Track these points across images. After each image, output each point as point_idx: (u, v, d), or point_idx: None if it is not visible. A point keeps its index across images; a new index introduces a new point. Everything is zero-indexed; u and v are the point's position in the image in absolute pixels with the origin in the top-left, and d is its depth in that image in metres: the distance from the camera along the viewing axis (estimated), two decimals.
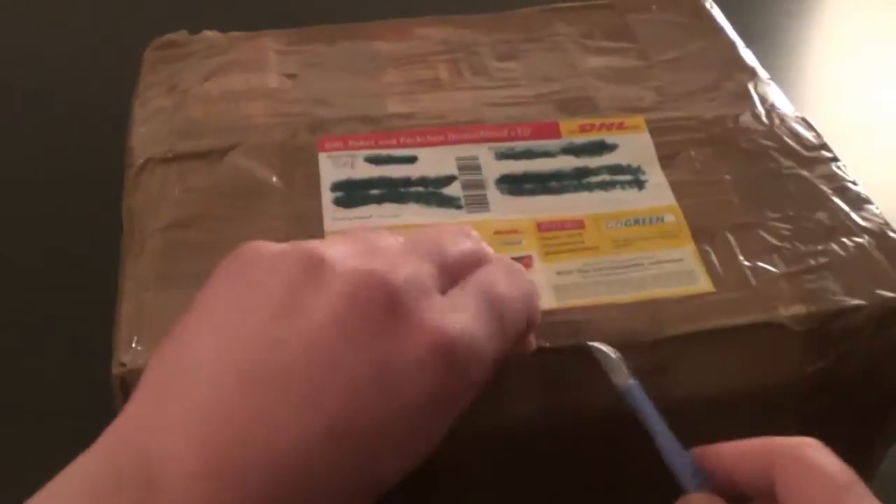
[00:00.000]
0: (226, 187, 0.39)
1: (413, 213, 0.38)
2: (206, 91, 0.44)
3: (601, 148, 0.41)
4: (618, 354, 0.32)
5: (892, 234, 0.37)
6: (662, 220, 0.38)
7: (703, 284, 0.35)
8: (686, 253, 0.36)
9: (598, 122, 0.42)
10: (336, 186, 0.39)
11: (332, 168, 0.40)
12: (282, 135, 0.41)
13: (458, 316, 0.26)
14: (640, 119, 0.42)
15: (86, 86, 0.71)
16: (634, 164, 0.40)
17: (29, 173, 0.64)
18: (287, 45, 0.47)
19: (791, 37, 0.80)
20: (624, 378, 0.30)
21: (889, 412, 0.38)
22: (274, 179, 0.39)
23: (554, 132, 0.42)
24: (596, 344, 0.32)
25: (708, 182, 0.40)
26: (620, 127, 0.42)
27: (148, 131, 0.42)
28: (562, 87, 0.44)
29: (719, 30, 0.48)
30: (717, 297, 0.35)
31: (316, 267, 0.26)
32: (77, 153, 0.65)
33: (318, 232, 0.37)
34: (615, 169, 0.40)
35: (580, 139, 0.41)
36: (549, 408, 0.34)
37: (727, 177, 0.40)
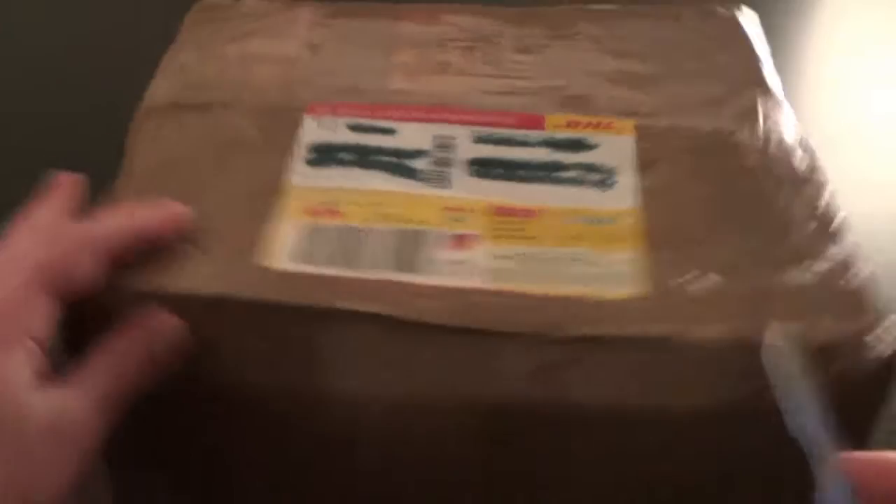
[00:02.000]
0: (209, 138, 0.41)
1: (373, 179, 0.39)
2: (227, 52, 0.46)
3: (581, 145, 0.41)
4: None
5: (855, 273, 0.35)
6: (615, 222, 0.37)
7: (630, 291, 0.34)
8: (627, 258, 0.36)
9: (585, 120, 0.42)
10: (312, 148, 0.40)
11: (314, 130, 0.41)
12: (278, 97, 0.43)
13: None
14: (629, 123, 0.42)
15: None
16: (609, 165, 0.40)
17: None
18: (321, 18, 0.49)
19: (791, 37, 0.79)
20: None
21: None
22: (255, 135, 0.41)
23: (538, 124, 0.42)
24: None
25: (680, 193, 0.38)
26: (608, 127, 0.42)
27: (164, 83, 0.45)
28: (566, 84, 0.44)
29: (748, 45, 0.47)
30: (639, 305, 0.34)
31: None
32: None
33: (279, 186, 0.39)
34: (588, 167, 0.40)
35: (562, 134, 0.41)
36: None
37: (702, 191, 0.38)
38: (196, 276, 0.34)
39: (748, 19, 0.49)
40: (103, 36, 0.79)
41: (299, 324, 0.34)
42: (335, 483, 0.38)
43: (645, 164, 0.40)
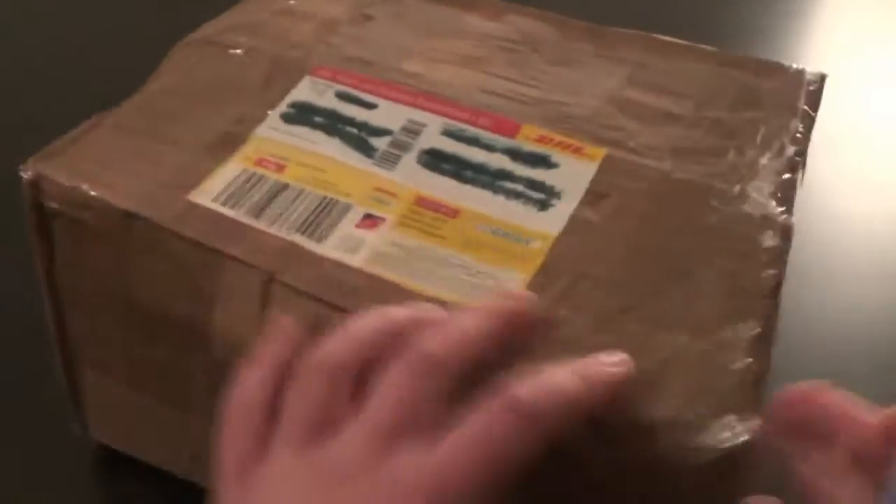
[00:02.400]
0: (217, 76, 0.44)
1: (330, 147, 0.40)
2: (289, 7, 0.49)
3: (542, 161, 0.40)
4: None
5: (738, 367, 0.32)
6: (528, 243, 0.36)
7: None
8: (512, 278, 0.35)
9: (558, 138, 0.41)
10: (293, 105, 0.42)
11: (306, 90, 0.43)
12: (296, 53, 0.45)
13: None
14: (601, 151, 0.40)
15: None
16: (558, 188, 0.38)
17: None
18: None
19: (789, 37, 0.80)
20: None
21: None
22: (257, 82, 0.44)
23: (512, 132, 0.41)
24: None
25: (608, 233, 0.37)
26: (577, 151, 0.40)
27: (216, 22, 0.48)
28: (571, 102, 0.43)
29: (793, 108, 0.43)
30: None
31: None
32: None
33: (248, 133, 0.41)
34: (536, 184, 0.39)
35: (529, 147, 0.40)
36: None
37: (634, 237, 0.37)
38: (129, 192, 0.38)
39: (813, 89, 0.45)
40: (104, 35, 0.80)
41: (194, 257, 0.36)
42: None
43: (594, 196, 0.38)
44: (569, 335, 0.33)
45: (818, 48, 0.83)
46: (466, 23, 0.49)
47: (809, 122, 0.43)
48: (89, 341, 0.43)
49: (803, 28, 0.83)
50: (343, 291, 0.34)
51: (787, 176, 0.40)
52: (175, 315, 0.38)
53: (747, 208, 0.38)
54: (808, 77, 0.46)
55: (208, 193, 0.38)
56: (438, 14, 0.50)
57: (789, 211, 0.38)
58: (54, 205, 0.38)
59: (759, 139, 0.41)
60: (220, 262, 0.36)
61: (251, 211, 0.37)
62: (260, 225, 0.37)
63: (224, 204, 0.38)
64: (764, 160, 0.40)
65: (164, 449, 0.45)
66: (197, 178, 0.39)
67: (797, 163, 0.41)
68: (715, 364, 0.32)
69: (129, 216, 0.37)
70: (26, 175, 0.39)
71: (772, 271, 0.35)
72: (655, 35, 0.48)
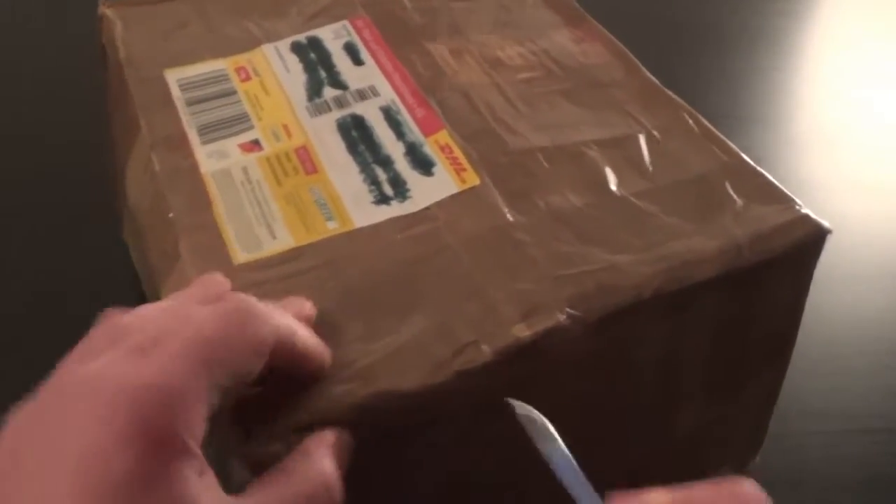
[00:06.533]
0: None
1: (292, 79, 0.44)
2: None
3: (424, 167, 0.39)
4: (542, 419, 0.30)
5: None
6: (328, 221, 0.37)
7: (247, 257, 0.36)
8: (284, 239, 0.36)
9: (456, 152, 0.39)
10: (309, 38, 0.47)
11: (331, 31, 0.47)
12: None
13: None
14: (476, 177, 0.38)
15: None
16: (411, 193, 0.38)
17: None
18: None
19: (787, 37, 0.81)
20: (550, 444, 0.29)
21: None
22: (312, 8, 0.48)
23: (431, 130, 0.41)
24: (519, 405, 0.31)
25: (393, 252, 0.36)
26: (459, 168, 0.39)
27: None
28: (523, 132, 0.41)
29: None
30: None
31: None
32: None
33: (262, 42, 0.46)
34: (398, 182, 0.39)
35: (427, 150, 0.40)
36: None
37: (411, 266, 0.35)
38: (134, 52, 0.46)
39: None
40: None
41: (126, 113, 0.43)
42: None
43: (429, 214, 0.37)
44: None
45: (814, 48, 0.83)
46: (547, 33, 0.48)
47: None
48: None
49: (799, 28, 0.84)
50: (172, 184, 0.39)
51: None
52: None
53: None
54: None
55: (180, 74, 0.44)
56: (537, 15, 0.50)
57: None
58: (104, 42, 0.48)
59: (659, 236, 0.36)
60: (133, 126, 0.42)
61: (192, 99, 0.43)
62: (184, 112, 0.42)
63: (182, 87, 0.44)
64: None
65: None
66: (192, 60, 0.45)
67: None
68: None
69: (118, 65, 0.45)
70: (100, 9, 0.49)
71: None
72: (698, 115, 0.43)
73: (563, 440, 0.29)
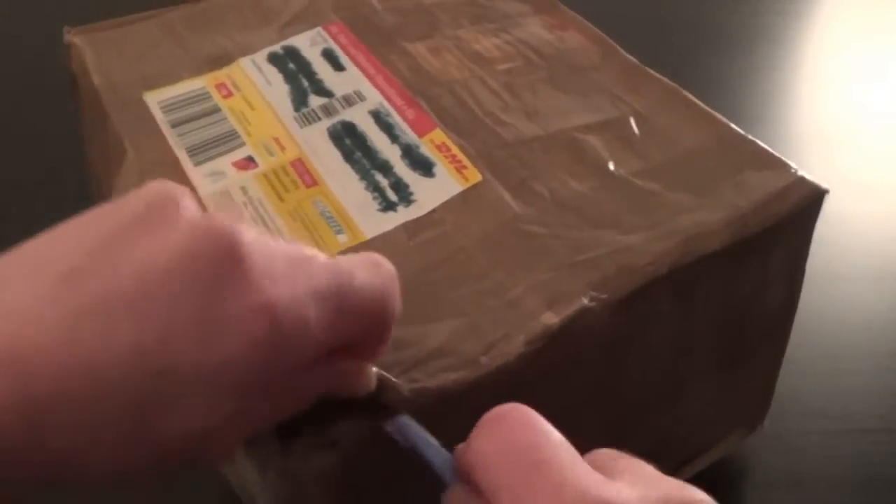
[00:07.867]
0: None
1: (275, 91, 0.43)
2: None
3: (424, 168, 0.39)
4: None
5: None
6: (338, 234, 0.37)
7: None
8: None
9: (454, 151, 0.40)
10: (285, 48, 0.46)
11: (306, 38, 0.47)
12: (322, 6, 0.49)
13: (289, 291, 0.25)
14: (477, 174, 0.38)
15: None
16: (415, 196, 0.38)
17: None
18: None
19: (786, 36, 0.81)
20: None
21: None
22: (285, 16, 0.48)
23: (422, 130, 0.41)
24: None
25: (418, 257, 0.36)
26: (460, 167, 0.39)
27: None
28: (513, 124, 0.41)
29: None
30: None
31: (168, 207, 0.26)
32: None
33: (238, 56, 0.45)
34: (399, 186, 0.38)
35: (423, 150, 0.40)
36: None
37: (435, 270, 0.35)
38: (109, 74, 0.45)
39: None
40: None
41: (111, 140, 0.42)
42: None
43: (436, 218, 0.37)
44: None
45: (816, 48, 0.83)
46: (520, 23, 0.48)
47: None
48: None
49: (798, 28, 0.84)
50: None
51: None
52: None
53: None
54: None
55: (159, 96, 0.44)
56: (507, 6, 0.50)
57: None
58: (73, 69, 0.47)
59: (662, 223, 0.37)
60: (118, 151, 0.42)
61: (175, 121, 0.42)
62: (170, 134, 0.42)
63: (163, 108, 0.43)
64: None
65: None
66: (170, 81, 0.45)
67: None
68: None
69: (93, 91, 0.44)
70: (66, 37, 0.48)
71: None
72: (684, 92, 0.44)
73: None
